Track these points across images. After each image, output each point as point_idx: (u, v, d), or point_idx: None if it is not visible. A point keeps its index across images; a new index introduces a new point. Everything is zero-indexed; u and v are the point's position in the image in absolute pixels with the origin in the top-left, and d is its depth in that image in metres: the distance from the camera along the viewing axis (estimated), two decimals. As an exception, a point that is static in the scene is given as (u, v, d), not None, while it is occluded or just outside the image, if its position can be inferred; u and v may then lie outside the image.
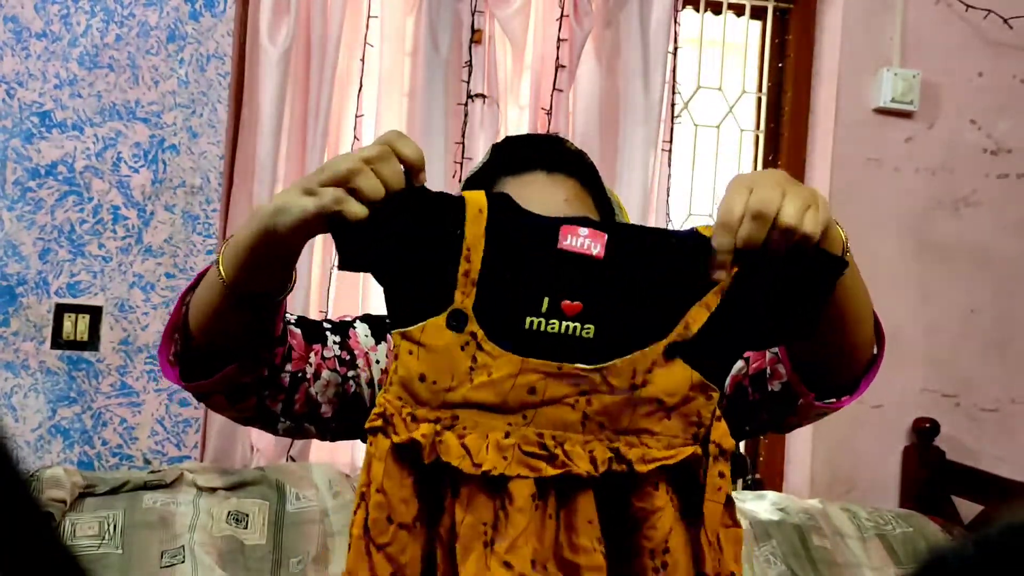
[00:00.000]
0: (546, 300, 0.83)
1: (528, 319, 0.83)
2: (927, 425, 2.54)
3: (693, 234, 0.85)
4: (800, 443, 2.59)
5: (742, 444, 2.67)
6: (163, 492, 1.99)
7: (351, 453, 2.31)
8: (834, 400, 0.99)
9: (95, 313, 2.14)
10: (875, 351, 1.00)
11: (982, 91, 2.63)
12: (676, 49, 2.44)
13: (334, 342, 1.06)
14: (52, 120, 2.13)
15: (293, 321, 1.03)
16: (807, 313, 0.84)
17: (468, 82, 2.31)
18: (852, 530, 2.33)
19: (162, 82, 2.18)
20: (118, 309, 2.16)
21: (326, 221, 0.82)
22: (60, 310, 2.12)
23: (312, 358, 1.02)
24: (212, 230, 2.21)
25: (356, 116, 2.30)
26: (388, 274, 0.85)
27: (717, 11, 2.59)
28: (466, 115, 2.30)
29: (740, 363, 1.05)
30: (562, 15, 2.33)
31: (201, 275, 0.95)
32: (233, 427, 2.20)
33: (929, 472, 2.53)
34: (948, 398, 2.62)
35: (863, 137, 2.57)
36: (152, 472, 2.05)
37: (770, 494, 2.41)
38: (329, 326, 1.08)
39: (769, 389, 1.02)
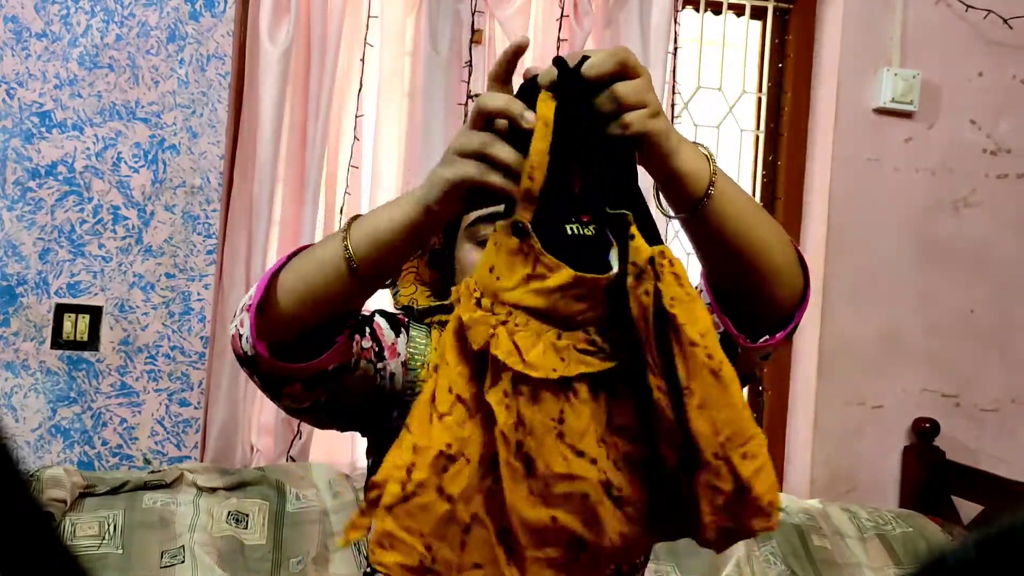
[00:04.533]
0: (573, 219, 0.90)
1: (568, 227, 0.89)
2: (927, 425, 2.54)
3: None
4: (800, 443, 2.59)
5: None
6: (163, 492, 2.00)
7: (351, 453, 2.31)
8: (767, 337, 1.00)
9: (95, 313, 2.14)
10: (803, 288, 1.01)
11: (982, 91, 2.63)
12: (676, 49, 2.45)
13: (368, 334, 1.09)
14: (52, 120, 2.13)
15: (378, 312, 1.08)
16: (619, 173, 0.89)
17: (468, 82, 2.32)
18: (852, 530, 2.33)
19: (162, 82, 2.18)
20: (118, 309, 2.16)
21: (471, 193, 0.87)
22: (60, 310, 2.12)
23: (353, 347, 1.05)
24: (212, 230, 2.21)
25: (356, 116, 2.30)
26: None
27: (717, 11, 2.59)
28: (466, 115, 2.30)
29: None
30: (562, 15, 2.33)
31: (292, 255, 0.98)
32: (233, 427, 2.20)
33: (929, 472, 2.53)
34: (948, 398, 2.62)
35: (863, 137, 2.57)
36: (152, 472, 2.05)
37: (770, 494, 2.40)
38: (359, 318, 1.10)
39: None
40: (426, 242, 0.94)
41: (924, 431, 2.54)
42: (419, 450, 0.83)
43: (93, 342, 2.14)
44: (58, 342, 2.12)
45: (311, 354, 0.97)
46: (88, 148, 2.14)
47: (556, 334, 0.86)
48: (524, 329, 0.85)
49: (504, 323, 0.85)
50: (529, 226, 0.87)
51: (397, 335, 1.13)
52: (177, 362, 2.19)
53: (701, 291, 1.02)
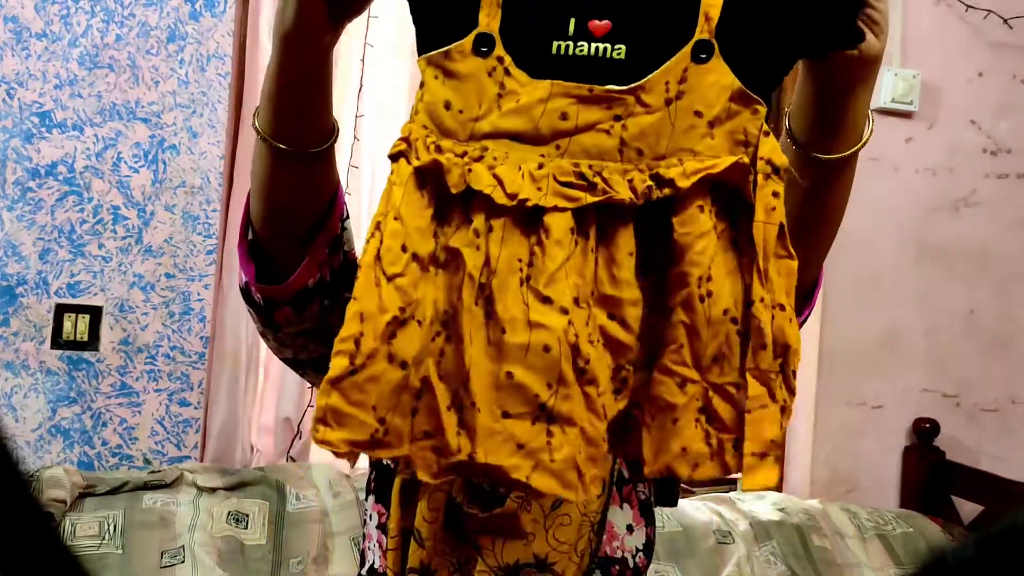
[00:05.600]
0: (573, 21, 0.77)
1: (556, 43, 0.77)
2: (927, 425, 2.54)
3: None
4: (800, 443, 2.59)
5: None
6: (163, 492, 2.00)
7: (351, 453, 2.30)
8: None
9: (95, 313, 2.14)
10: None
11: (982, 91, 2.63)
12: (676, 49, 2.44)
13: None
14: (52, 120, 2.13)
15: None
16: (845, 16, 0.78)
17: (468, 82, 2.31)
18: (852, 530, 2.33)
19: (162, 82, 2.18)
20: (118, 309, 2.16)
21: None
22: (60, 310, 2.12)
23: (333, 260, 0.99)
24: (212, 230, 2.21)
25: (356, 116, 2.29)
26: None
27: (717, 11, 2.59)
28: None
29: None
30: (562, 15, 2.33)
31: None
32: (233, 428, 2.20)
33: (929, 472, 2.53)
34: (948, 398, 2.62)
35: (863, 137, 2.57)
36: (152, 472, 2.05)
37: (770, 494, 2.40)
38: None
39: None
40: (309, 73, 0.85)
41: (924, 431, 2.54)
42: (367, 317, 0.75)
43: (93, 342, 2.14)
44: (58, 342, 2.12)
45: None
46: (88, 148, 2.14)
47: (538, 162, 0.76)
48: (505, 161, 0.76)
49: (480, 159, 0.76)
50: (497, 35, 0.76)
51: None
52: (177, 362, 2.19)
53: None
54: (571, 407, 0.74)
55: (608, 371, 0.77)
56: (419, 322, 0.75)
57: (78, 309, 2.13)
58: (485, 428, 0.73)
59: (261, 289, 0.93)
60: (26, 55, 2.11)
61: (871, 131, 0.86)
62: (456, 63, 0.76)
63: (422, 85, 0.78)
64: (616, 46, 0.77)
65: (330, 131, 0.90)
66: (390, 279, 0.75)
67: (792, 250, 0.77)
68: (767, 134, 0.77)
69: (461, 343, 0.74)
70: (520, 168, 0.75)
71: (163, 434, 2.18)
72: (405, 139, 0.77)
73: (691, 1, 0.77)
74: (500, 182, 0.74)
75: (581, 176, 0.76)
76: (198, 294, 2.19)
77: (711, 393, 0.77)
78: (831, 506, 2.39)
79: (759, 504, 2.34)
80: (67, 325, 2.12)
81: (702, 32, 0.76)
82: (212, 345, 2.21)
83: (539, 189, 0.75)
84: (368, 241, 0.76)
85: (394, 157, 0.78)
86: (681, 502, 1.95)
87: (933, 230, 2.60)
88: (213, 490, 2.03)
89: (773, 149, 0.77)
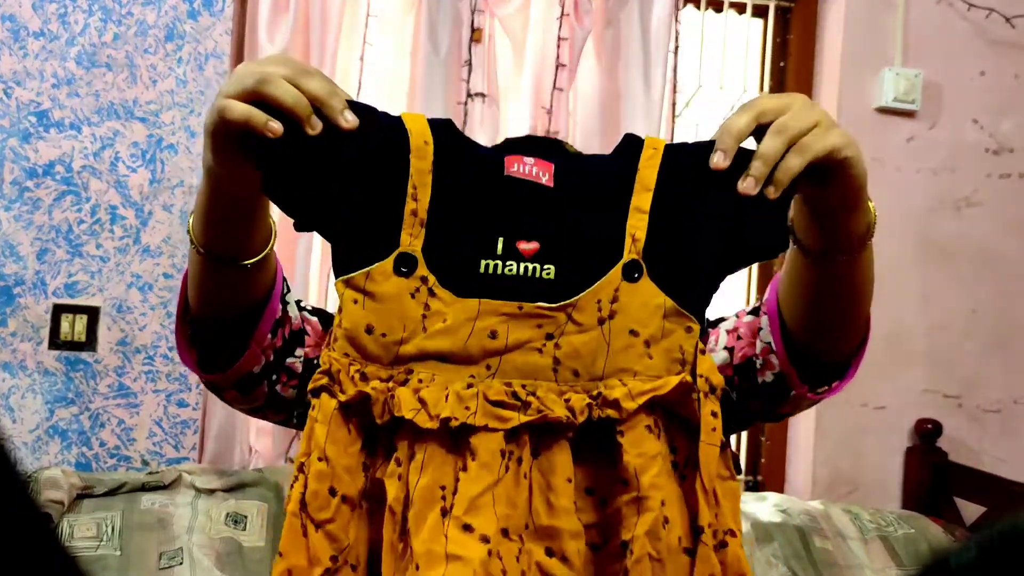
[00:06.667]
0: (500, 240, 0.76)
1: (484, 262, 0.76)
2: (929, 426, 2.53)
3: (631, 139, 0.79)
4: (802, 444, 2.58)
5: (735, 439, 2.66)
6: (161, 493, 1.99)
7: (350, 454, 2.30)
8: (826, 388, 0.94)
9: (93, 313, 2.14)
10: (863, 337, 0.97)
11: (984, 90, 2.62)
12: (677, 48, 2.44)
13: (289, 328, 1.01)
14: (50, 119, 2.12)
15: (310, 309, 0.97)
16: (771, 225, 0.77)
17: (468, 81, 2.31)
18: (854, 531, 2.32)
19: (160, 81, 2.17)
20: (116, 310, 2.15)
21: (246, 144, 0.73)
22: (58, 310, 2.12)
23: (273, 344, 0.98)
24: (210, 230, 2.20)
25: (355, 115, 2.29)
26: (325, 215, 0.76)
27: (718, 9, 2.59)
28: (466, 114, 2.29)
29: (724, 353, 0.97)
30: (562, 14, 2.33)
31: None
32: (232, 428, 2.19)
33: (931, 473, 2.52)
34: (950, 399, 2.61)
35: (865, 137, 2.56)
36: (150, 473, 2.04)
37: (771, 495, 2.40)
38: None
39: (760, 380, 0.95)
40: (236, 202, 0.79)
41: (926, 432, 2.53)
42: (297, 574, 0.71)
43: (91, 343, 2.13)
44: (55, 343, 2.12)
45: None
46: (86, 147, 2.14)
47: (466, 383, 0.73)
48: (431, 384, 0.72)
49: (404, 382, 0.72)
50: (420, 255, 0.74)
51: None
52: (175, 363, 2.18)
53: (765, 341, 0.91)
54: None
55: None
56: (353, 567, 0.72)
57: (76, 309, 2.13)
58: None
59: (203, 377, 0.90)
60: (23, 54, 2.11)
61: (871, 232, 0.82)
62: (378, 284, 0.74)
63: (340, 311, 0.75)
64: (545, 266, 0.76)
65: (267, 239, 0.86)
66: (319, 526, 0.71)
67: (733, 471, 0.77)
68: (703, 352, 0.77)
69: None
70: (447, 388, 0.72)
71: (161, 435, 2.18)
72: (326, 372, 0.73)
73: (617, 224, 0.76)
74: (424, 405, 0.71)
75: (514, 395, 0.73)
76: (196, 294, 2.19)
77: None
78: (833, 507, 2.38)
79: (760, 505, 2.33)
80: (65, 325, 2.12)
81: (630, 253, 0.76)
82: (210, 345, 2.21)
83: (467, 408, 0.71)
84: (292, 487, 0.72)
85: (315, 392, 0.74)
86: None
87: (935, 230, 2.60)
88: (211, 491, 2.02)
89: (710, 368, 0.76)
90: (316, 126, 0.71)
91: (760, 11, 2.63)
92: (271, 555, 1.96)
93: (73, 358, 2.13)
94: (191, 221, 0.84)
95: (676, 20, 2.43)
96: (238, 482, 2.06)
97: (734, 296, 2.56)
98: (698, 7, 2.56)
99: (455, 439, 0.72)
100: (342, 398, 0.73)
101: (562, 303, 0.75)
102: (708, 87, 2.60)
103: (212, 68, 2.20)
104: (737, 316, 0.97)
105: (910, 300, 2.58)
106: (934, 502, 2.50)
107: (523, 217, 0.76)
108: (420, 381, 0.73)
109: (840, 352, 0.92)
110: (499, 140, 1.07)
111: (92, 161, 2.14)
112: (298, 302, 0.97)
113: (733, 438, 1.48)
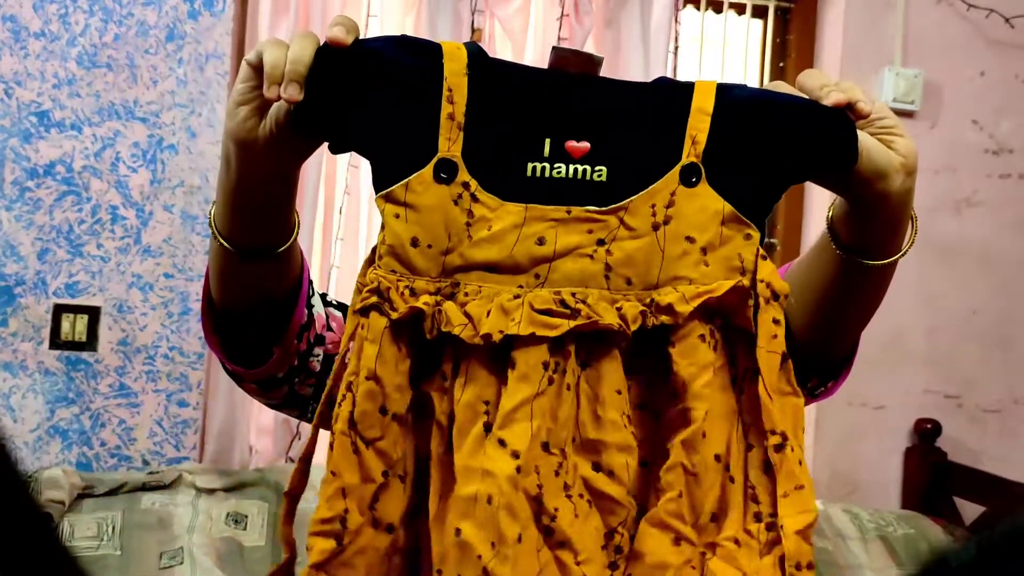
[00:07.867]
0: (548, 142, 0.73)
1: (531, 165, 0.72)
2: (929, 426, 2.53)
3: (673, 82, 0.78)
4: (801, 444, 2.58)
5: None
6: (162, 493, 1.99)
7: (350, 454, 2.30)
8: (822, 390, 0.93)
9: (93, 313, 2.14)
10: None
11: (984, 91, 2.62)
12: (677, 48, 2.44)
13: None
14: (50, 120, 2.12)
15: (335, 304, 0.96)
16: (840, 139, 0.74)
17: (468, 82, 2.31)
18: (854, 531, 2.32)
19: (161, 81, 2.18)
20: (116, 309, 2.15)
21: (272, 113, 0.73)
22: (58, 310, 2.12)
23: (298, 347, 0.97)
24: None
25: (356, 116, 2.29)
26: (360, 131, 0.73)
27: (718, 10, 2.59)
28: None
29: None
30: (562, 14, 2.33)
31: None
32: (232, 428, 2.19)
33: (931, 473, 2.52)
34: (950, 399, 2.62)
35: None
36: (151, 473, 2.05)
37: (771, 495, 2.40)
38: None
39: None
40: (265, 182, 0.78)
41: (926, 432, 2.53)
42: (351, 491, 0.70)
43: (91, 342, 2.14)
44: (56, 342, 2.12)
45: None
46: (86, 148, 2.14)
47: (513, 294, 0.70)
48: (477, 297, 0.70)
49: (452, 295, 0.70)
50: (460, 159, 0.71)
51: None
52: (176, 363, 2.18)
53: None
54: (509, 572, 0.65)
55: (596, 536, 0.69)
56: (401, 477, 0.70)
57: (76, 309, 2.13)
58: None
59: (227, 366, 0.90)
60: (24, 54, 2.11)
61: (912, 242, 0.83)
62: (418, 195, 0.71)
63: (383, 227, 0.72)
64: (597, 168, 0.73)
65: (291, 229, 0.84)
66: (369, 443, 0.70)
67: (796, 387, 0.72)
68: (764, 258, 0.73)
69: (427, 498, 0.70)
70: (493, 300, 0.70)
71: (162, 435, 2.18)
72: (375, 290, 0.71)
73: (676, 124, 0.73)
74: (471, 319, 0.69)
75: (563, 303, 0.70)
76: (197, 294, 2.19)
77: (708, 555, 0.71)
78: (832, 507, 2.38)
79: (760, 505, 2.33)
80: (65, 325, 2.12)
81: (689, 156, 0.73)
82: (211, 345, 2.21)
83: (512, 320, 0.69)
84: (340, 404, 0.70)
85: (363, 311, 0.72)
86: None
87: (935, 230, 2.60)
88: (212, 491, 2.02)
89: (772, 273, 0.73)
90: (295, 95, 0.70)
91: (760, 11, 2.63)
92: (271, 555, 1.96)
93: (74, 358, 2.13)
94: (212, 213, 0.83)
95: (676, 21, 2.43)
96: (238, 482, 2.06)
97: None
98: (698, 7, 2.56)
99: (500, 353, 0.70)
100: (394, 316, 0.70)
101: (613, 206, 0.72)
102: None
103: (212, 68, 2.20)
104: None
105: (910, 300, 2.58)
106: (933, 502, 2.50)
107: (572, 115, 0.73)
108: (466, 295, 0.71)
109: (832, 357, 0.92)
110: None
111: (93, 161, 2.14)
112: (323, 295, 0.96)
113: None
